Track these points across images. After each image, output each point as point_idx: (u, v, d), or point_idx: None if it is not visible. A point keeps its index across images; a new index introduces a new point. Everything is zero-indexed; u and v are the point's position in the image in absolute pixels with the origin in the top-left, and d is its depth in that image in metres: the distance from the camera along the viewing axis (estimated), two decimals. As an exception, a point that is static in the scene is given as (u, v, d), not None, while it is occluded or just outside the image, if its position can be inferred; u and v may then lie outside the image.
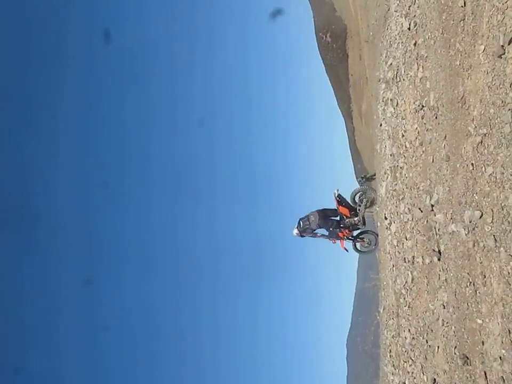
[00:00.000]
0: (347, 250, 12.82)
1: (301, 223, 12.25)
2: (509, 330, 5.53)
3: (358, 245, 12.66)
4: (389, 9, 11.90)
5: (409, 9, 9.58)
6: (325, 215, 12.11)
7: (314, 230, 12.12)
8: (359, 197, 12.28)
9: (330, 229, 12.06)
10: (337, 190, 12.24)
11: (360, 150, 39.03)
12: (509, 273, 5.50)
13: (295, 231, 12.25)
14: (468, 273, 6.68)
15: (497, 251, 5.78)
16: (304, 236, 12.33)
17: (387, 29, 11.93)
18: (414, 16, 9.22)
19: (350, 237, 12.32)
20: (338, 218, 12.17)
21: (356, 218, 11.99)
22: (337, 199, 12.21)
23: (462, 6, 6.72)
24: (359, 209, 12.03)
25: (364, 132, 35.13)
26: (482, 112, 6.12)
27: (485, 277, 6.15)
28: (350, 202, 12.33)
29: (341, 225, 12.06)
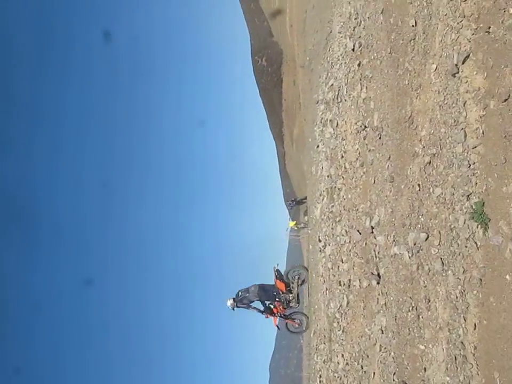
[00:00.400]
0: (279, 328, 13.44)
1: (239, 293, 12.55)
2: (455, 357, 5.32)
3: (289, 324, 13.11)
4: (331, 31, 11.94)
5: (354, 30, 9.58)
6: (264, 288, 12.48)
7: (251, 302, 12.44)
8: (292, 274, 12.82)
9: (266, 303, 12.53)
10: (277, 265, 12.85)
11: (290, 174, 39.49)
12: (456, 297, 5.31)
13: (230, 301, 12.45)
14: (410, 298, 6.48)
15: (444, 274, 5.60)
16: (239, 307, 12.56)
17: (328, 50, 11.94)
18: (359, 37, 9.21)
19: (282, 315, 12.76)
20: (275, 293, 12.64)
21: (291, 295, 12.53)
22: (276, 273, 12.70)
23: (412, 26, 6.68)
24: (292, 287, 12.62)
25: (294, 156, 35.53)
26: (432, 131, 6.01)
27: (429, 301, 5.95)
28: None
29: (277, 300, 12.54)
